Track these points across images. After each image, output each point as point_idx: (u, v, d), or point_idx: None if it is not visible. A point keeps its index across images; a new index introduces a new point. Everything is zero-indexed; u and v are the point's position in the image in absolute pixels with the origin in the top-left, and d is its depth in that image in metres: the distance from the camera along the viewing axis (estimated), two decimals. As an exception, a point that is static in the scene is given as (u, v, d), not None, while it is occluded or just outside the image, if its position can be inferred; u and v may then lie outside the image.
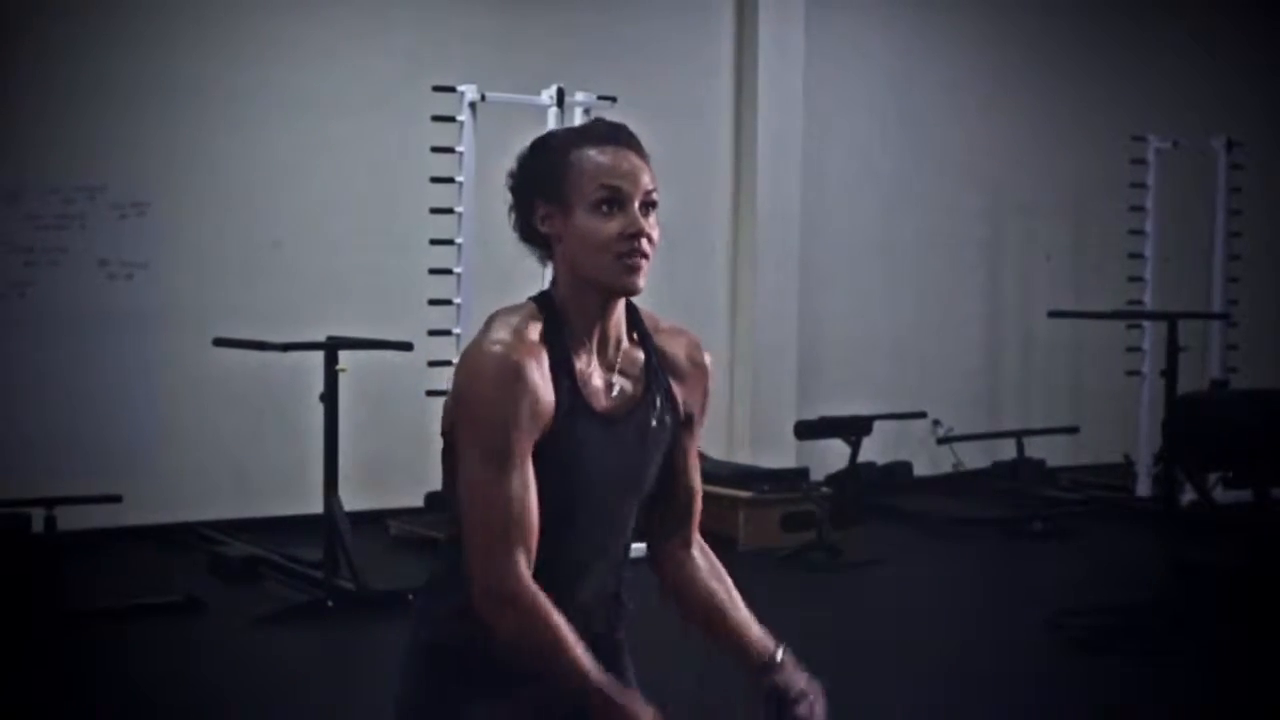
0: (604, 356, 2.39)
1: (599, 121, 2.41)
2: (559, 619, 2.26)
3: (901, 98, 10.82)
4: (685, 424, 2.49)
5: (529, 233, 2.38)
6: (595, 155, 2.31)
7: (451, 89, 7.99)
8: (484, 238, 8.09)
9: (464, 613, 2.33)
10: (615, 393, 2.39)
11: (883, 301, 10.82)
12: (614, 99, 8.04)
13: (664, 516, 2.54)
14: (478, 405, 2.27)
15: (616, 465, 2.39)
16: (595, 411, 2.35)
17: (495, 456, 2.26)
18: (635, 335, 2.44)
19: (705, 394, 2.52)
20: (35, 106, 8.17)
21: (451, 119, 7.98)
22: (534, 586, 2.27)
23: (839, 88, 10.56)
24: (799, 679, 2.48)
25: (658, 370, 2.44)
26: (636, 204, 2.31)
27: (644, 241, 2.30)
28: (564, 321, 2.35)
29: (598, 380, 2.37)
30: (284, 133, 8.77)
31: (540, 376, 2.28)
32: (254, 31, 8.73)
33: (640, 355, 2.43)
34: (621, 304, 2.39)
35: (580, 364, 2.35)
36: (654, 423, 2.42)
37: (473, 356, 2.29)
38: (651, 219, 2.33)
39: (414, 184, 8.22)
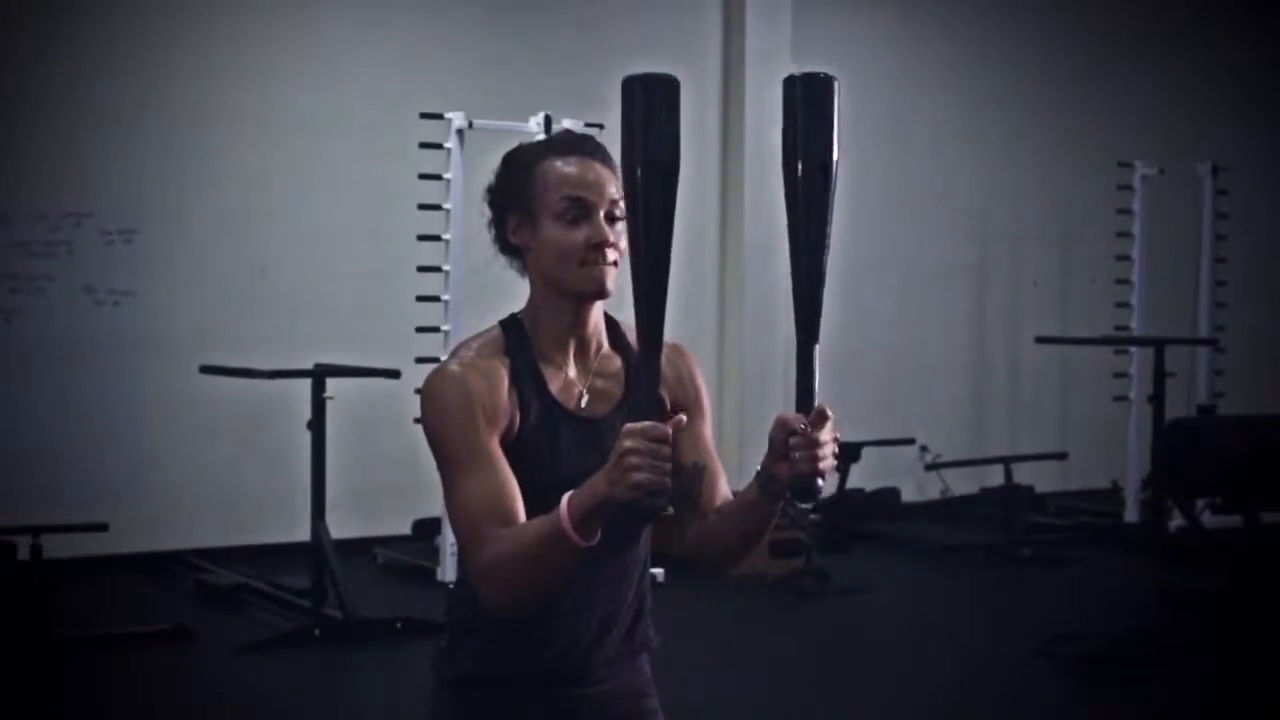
0: (582, 363, 2.39)
1: (566, 133, 2.45)
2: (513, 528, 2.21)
3: (888, 124, 10.84)
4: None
5: (504, 245, 2.41)
6: (560, 166, 2.34)
7: (439, 116, 8.00)
8: (472, 265, 8.09)
9: (488, 651, 2.38)
10: (591, 397, 2.38)
11: (870, 327, 10.82)
12: (602, 126, 8.04)
13: (679, 505, 2.38)
14: (436, 426, 2.30)
15: (600, 465, 2.28)
16: (570, 413, 2.35)
17: (460, 464, 2.27)
18: (615, 344, 2.43)
19: (693, 378, 2.48)
20: (22, 131, 8.17)
21: (439, 146, 7.99)
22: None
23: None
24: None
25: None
26: (601, 214, 2.32)
27: (609, 251, 2.32)
28: (531, 334, 2.37)
29: (574, 385, 2.37)
30: (271, 159, 8.76)
31: (490, 385, 2.29)
32: (241, 59, 8.72)
33: (618, 359, 2.42)
34: (598, 312, 2.40)
35: (550, 371, 2.36)
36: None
37: (426, 384, 2.33)
38: (618, 229, 2.33)
39: (402, 211, 8.22)
